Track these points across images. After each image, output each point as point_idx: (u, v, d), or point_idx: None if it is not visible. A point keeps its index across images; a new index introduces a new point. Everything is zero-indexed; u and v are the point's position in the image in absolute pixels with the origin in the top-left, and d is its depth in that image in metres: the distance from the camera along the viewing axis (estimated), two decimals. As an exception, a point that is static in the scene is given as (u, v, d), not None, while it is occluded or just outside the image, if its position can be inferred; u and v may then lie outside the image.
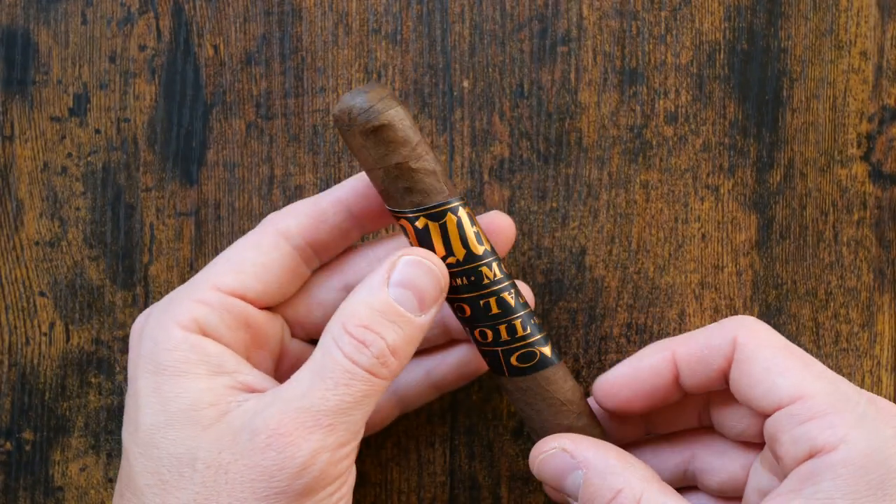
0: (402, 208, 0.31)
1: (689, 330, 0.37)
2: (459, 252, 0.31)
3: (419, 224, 0.31)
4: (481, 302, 0.32)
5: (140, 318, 0.33)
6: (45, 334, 0.39)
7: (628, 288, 0.38)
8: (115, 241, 0.39)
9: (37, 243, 0.39)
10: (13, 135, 0.39)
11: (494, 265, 0.32)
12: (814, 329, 0.39)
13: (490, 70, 0.38)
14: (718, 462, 0.34)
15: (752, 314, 0.38)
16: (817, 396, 0.29)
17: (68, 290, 0.39)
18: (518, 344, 0.32)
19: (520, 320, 0.32)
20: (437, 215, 0.31)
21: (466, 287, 0.32)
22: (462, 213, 0.31)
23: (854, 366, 0.39)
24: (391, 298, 0.30)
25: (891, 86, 0.38)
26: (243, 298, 0.32)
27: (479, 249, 0.32)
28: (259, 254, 0.33)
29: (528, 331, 0.32)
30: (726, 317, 0.38)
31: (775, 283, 0.39)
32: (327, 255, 0.34)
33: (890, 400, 0.38)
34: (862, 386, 0.38)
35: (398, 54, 0.38)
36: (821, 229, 0.39)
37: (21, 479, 0.39)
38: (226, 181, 0.39)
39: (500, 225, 0.34)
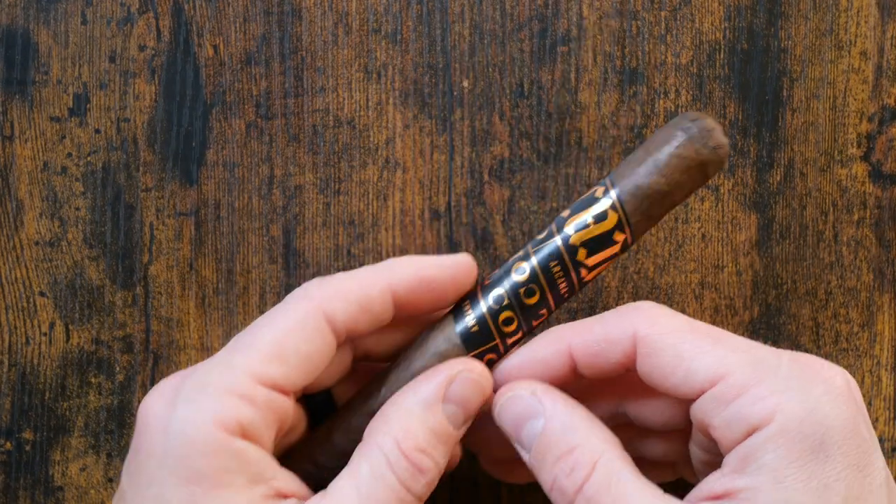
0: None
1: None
2: (590, 262, 0.31)
3: (618, 235, 0.30)
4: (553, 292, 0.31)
5: (158, 398, 0.29)
6: (45, 334, 0.39)
7: (628, 288, 0.38)
8: (115, 240, 0.39)
9: (37, 243, 0.39)
10: (13, 135, 0.39)
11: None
12: (814, 329, 0.39)
13: (490, 70, 0.38)
14: (651, 444, 0.33)
15: (752, 314, 0.38)
16: (737, 371, 0.28)
17: (68, 289, 0.39)
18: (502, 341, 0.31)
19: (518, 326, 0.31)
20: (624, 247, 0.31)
21: (564, 280, 0.31)
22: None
23: (854, 365, 0.39)
24: (445, 418, 0.29)
25: (891, 86, 0.38)
26: (283, 391, 0.29)
27: (588, 277, 0.31)
28: (304, 341, 0.29)
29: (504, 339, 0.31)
30: (726, 317, 0.38)
31: (775, 283, 0.39)
32: (354, 337, 0.32)
33: (890, 399, 0.38)
34: (862, 386, 0.38)
35: (398, 54, 0.38)
36: (821, 229, 0.39)
37: (21, 479, 0.39)
38: (226, 181, 0.39)
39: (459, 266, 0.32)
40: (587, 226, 0.30)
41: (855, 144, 0.38)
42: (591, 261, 0.30)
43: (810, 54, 0.38)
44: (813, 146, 0.38)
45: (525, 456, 0.30)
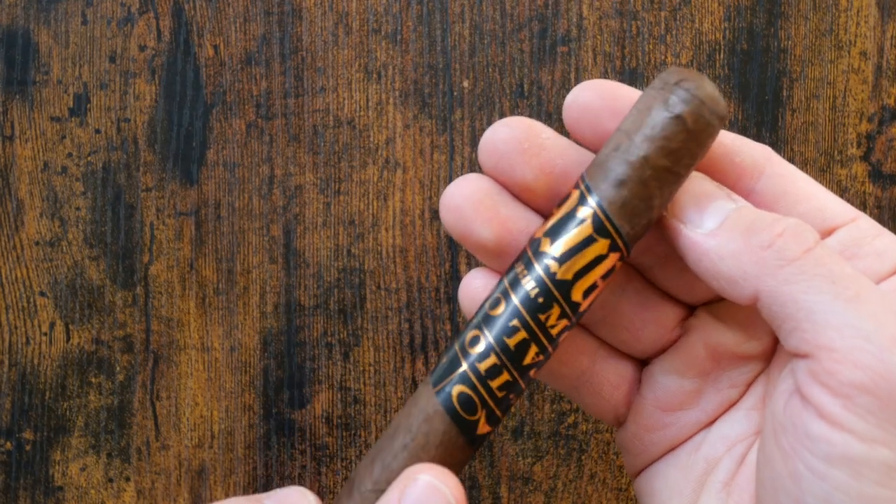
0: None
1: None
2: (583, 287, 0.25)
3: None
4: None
5: None
6: (46, 334, 0.39)
7: (628, 288, 0.38)
8: (116, 240, 0.39)
9: (37, 243, 0.39)
10: (13, 135, 0.39)
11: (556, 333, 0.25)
12: (814, 329, 0.39)
13: (490, 70, 0.38)
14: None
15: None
16: (869, 218, 0.26)
17: (68, 289, 0.39)
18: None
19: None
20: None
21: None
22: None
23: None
24: None
25: (891, 86, 0.38)
26: None
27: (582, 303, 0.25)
28: None
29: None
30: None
31: (775, 283, 0.39)
32: None
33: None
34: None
35: (398, 54, 0.39)
36: (821, 229, 0.39)
37: (21, 479, 0.39)
38: (226, 181, 0.39)
39: None
40: (596, 287, 0.25)
41: (855, 144, 0.39)
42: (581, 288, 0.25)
43: (810, 54, 0.38)
44: (813, 146, 0.38)
45: (706, 235, 0.24)
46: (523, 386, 0.25)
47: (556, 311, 0.25)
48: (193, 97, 0.39)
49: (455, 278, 0.38)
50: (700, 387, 0.28)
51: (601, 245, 0.24)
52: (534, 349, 0.25)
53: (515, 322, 0.25)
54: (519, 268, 0.25)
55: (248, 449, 0.39)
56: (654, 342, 0.28)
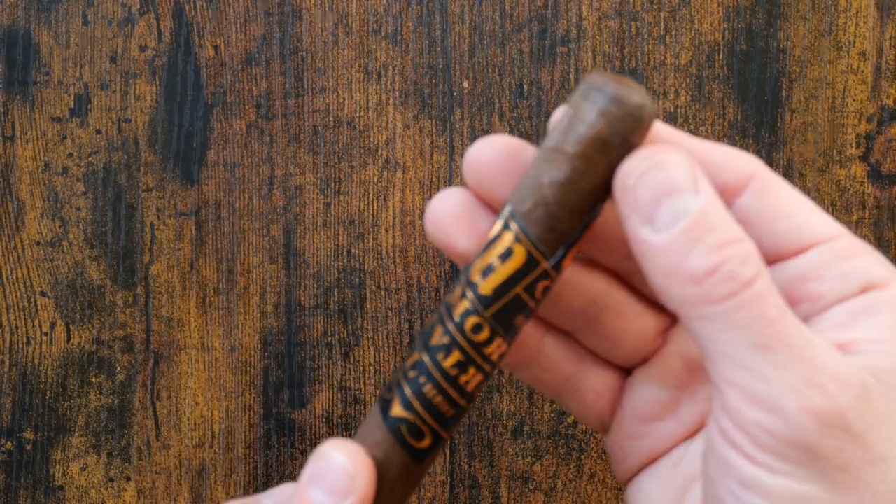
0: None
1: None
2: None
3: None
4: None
5: None
6: (46, 334, 0.39)
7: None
8: (116, 241, 0.39)
9: (38, 243, 0.39)
10: (14, 135, 0.39)
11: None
12: (813, 329, 0.39)
13: (490, 70, 0.39)
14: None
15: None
16: (848, 236, 0.26)
17: (69, 289, 0.39)
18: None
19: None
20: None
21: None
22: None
23: (853, 365, 0.39)
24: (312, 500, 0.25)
25: (890, 86, 0.39)
26: None
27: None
28: None
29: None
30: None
31: (774, 283, 0.39)
32: None
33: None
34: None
35: (398, 54, 0.39)
36: (820, 229, 0.39)
37: (22, 479, 0.39)
38: (226, 181, 0.39)
39: None
40: (493, 269, 0.25)
41: (854, 145, 0.39)
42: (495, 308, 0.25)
43: (809, 55, 0.38)
44: (812, 146, 0.39)
45: (652, 236, 0.24)
46: (432, 370, 0.25)
47: (458, 291, 0.25)
48: (194, 97, 0.39)
49: (455, 278, 0.39)
50: (677, 398, 0.28)
51: (498, 224, 0.25)
52: (439, 330, 0.25)
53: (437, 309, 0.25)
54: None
55: (248, 448, 0.39)
56: (636, 351, 0.28)
